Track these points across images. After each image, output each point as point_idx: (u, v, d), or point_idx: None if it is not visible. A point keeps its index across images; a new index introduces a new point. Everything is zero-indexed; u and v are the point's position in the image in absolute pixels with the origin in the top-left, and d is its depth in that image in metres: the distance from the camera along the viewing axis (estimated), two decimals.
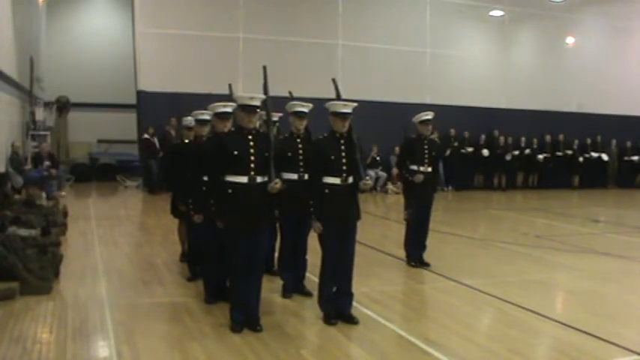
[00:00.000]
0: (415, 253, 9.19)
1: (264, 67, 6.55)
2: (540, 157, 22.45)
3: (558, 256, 10.41)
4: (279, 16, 19.89)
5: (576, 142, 22.96)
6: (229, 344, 5.74)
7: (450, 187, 21.14)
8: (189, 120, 8.52)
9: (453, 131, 21.18)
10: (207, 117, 7.64)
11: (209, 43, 18.98)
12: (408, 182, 9.11)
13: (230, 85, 8.40)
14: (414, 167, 8.99)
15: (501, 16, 23.21)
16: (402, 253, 9.36)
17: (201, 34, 18.87)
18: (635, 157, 23.79)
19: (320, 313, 6.47)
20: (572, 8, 23.55)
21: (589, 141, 23.31)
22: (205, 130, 7.75)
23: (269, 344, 5.75)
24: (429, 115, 8.91)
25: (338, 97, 6.69)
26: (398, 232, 10.52)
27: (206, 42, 18.95)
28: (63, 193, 16.55)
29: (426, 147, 9.01)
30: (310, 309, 6.86)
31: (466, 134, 21.48)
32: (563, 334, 6.31)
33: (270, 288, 7.45)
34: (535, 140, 22.43)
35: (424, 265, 9.13)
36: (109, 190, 19.74)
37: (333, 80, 6.91)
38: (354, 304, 6.60)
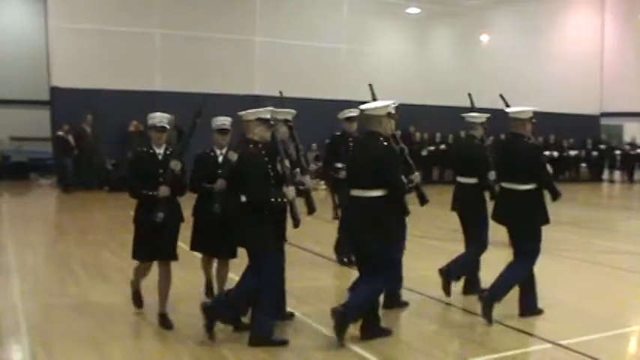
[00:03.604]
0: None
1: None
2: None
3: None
4: (195, 11, 19.65)
5: (491, 138, 23.50)
6: (145, 346, 5.70)
7: None
8: (221, 121, 6.64)
9: None
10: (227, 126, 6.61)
11: (125, 39, 18.64)
12: (333, 179, 9.13)
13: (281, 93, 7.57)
14: (339, 165, 8.99)
15: (418, 13, 23.66)
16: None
17: (118, 30, 18.52)
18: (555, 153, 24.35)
19: None
20: (487, 6, 24.25)
21: (502, 137, 23.84)
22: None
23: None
24: (353, 113, 8.98)
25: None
26: None
27: (122, 37, 18.61)
28: None
29: (350, 144, 9.00)
30: None
31: None
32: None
33: None
34: (450, 136, 22.91)
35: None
36: (22, 188, 19.12)
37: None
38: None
